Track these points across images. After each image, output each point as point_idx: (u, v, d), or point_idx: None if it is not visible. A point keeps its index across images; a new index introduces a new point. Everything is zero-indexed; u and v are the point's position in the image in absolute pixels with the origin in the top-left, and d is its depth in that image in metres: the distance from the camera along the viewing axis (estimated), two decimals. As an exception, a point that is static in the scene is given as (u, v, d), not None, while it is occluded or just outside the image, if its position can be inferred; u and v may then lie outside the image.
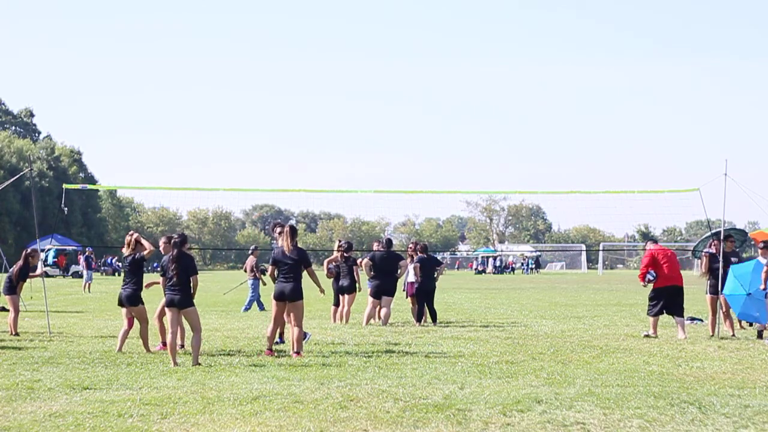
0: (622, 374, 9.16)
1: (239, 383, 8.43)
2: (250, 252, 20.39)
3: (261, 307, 19.46)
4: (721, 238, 13.81)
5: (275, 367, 9.62)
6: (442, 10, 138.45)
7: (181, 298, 10.02)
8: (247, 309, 19.49)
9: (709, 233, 15.81)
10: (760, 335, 12.95)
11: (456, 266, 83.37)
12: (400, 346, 11.73)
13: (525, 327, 14.97)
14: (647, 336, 13.07)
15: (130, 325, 11.13)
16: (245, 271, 20.29)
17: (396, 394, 7.84)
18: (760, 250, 13.20)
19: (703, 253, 14.17)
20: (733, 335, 13.43)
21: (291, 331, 10.84)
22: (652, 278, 13.43)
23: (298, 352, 10.56)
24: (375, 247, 15.83)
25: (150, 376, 8.93)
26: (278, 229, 11.16)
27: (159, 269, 10.44)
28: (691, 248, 16.04)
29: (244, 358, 10.35)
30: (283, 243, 10.83)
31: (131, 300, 10.88)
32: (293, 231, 10.95)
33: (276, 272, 10.78)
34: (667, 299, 13.30)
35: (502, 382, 8.63)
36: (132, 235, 11.23)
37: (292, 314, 10.68)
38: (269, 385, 8.28)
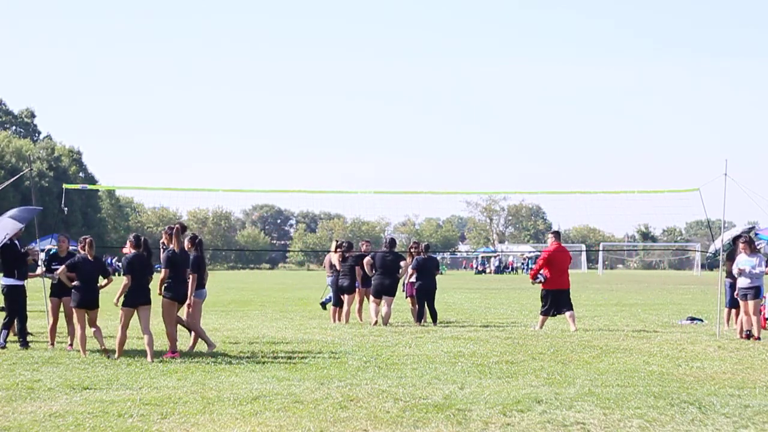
0: (622, 374, 9.16)
1: (239, 383, 8.44)
2: (333, 250, 20.76)
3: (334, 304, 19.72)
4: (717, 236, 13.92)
5: (275, 367, 9.62)
6: (442, 10, 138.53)
7: (148, 296, 10.50)
8: (325, 303, 19.63)
9: (734, 234, 15.75)
10: (748, 335, 12.93)
11: (463, 266, 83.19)
12: (400, 346, 11.74)
13: (525, 327, 14.97)
14: (539, 328, 14.32)
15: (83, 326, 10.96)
16: (324, 267, 20.59)
17: (396, 394, 7.85)
18: (742, 248, 13.11)
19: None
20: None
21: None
22: (542, 280, 14.59)
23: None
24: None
25: (150, 376, 8.93)
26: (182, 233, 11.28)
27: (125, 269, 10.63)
28: (691, 248, 16.03)
29: (244, 358, 10.35)
30: (176, 245, 10.99)
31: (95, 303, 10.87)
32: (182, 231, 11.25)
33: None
34: (556, 298, 14.49)
35: (502, 382, 8.63)
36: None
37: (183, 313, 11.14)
38: (269, 385, 8.28)
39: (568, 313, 14.39)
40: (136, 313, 10.46)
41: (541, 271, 14.57)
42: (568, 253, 15.11)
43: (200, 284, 11.33)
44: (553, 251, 14.64)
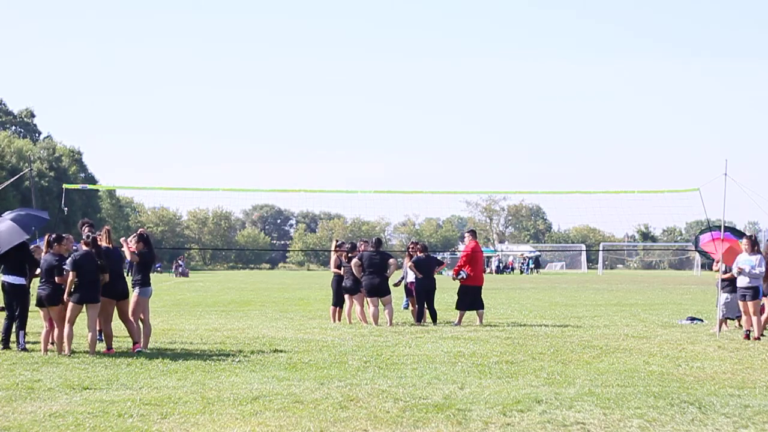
0: (622, 374, 9.17)
1: (239, 383, 8.44)
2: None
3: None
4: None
5: (275, 367, 9.62)
6: (442, 10, 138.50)
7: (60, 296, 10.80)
8: (407, 306, 19.88)
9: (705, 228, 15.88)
10: (747, 335, 12.94)
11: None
12: (400, 346, 11.74)
13: (525, 327, 14.97)
14: (457, 325, 15.01)
15: (52, 326, 10.98)
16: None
17: (396, 394, 7.85)
18: (744, 246, 13.10)
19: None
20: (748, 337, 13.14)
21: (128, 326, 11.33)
22: (464, 276, 15.22)
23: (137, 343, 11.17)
24: (361, 247, 15.83)
25: (150, 376, 8.93)
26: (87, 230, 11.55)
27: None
28: (691, 248, 16.12)
29: (244, 358, 10.35)
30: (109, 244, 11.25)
31: (51, 299, 10.84)
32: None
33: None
34: (474, 296, 15.31)
35: (502, 382, 8.64)
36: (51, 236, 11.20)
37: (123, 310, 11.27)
38: (269, 385, 8.29)
39: (480, 311, 15.34)
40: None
41: (463, 269, 15.25)
42: (482, 251, 16.08)
43: (146, 282, 11.42)
44: (473, 249, 15.37)
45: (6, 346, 11.11)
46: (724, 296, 13.80)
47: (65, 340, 10.57)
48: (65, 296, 10.67)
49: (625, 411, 7.14)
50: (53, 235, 11.10)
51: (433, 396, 7.76)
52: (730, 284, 13.64)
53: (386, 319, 14.99)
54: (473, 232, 16.04)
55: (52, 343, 11.14)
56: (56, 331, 10.82)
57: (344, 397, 7.64)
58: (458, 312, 15.39)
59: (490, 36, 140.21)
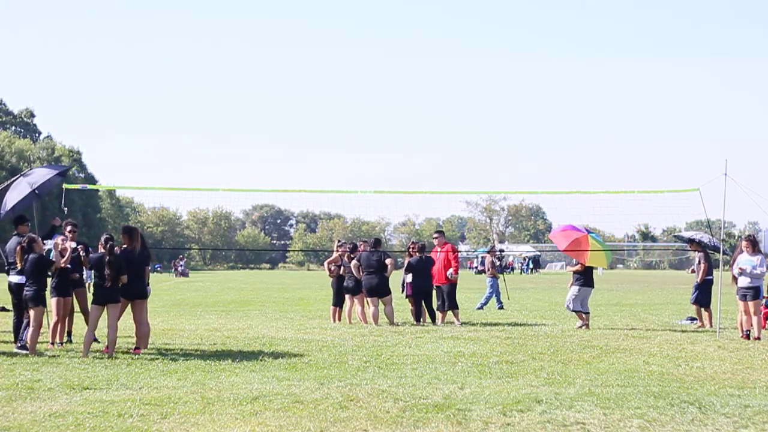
0: (622, 374, 9.17)
1: (239, 383, 8.44)
2: (488, 251, 22.24)
3: (500, 305, 20.47)
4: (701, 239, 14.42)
5: (275, 367, 9.62)
6: (442, 10, 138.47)
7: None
8: (481, 307, 20.30)
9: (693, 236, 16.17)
10: (747, 335, 12.95)
11: (468, 266, 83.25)
12: (400, 346, 11.73)
13: (525, 327, 14.97)
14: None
15: (41, 325, 10.97)
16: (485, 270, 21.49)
17: (396, 394, 7.85)
18: (744, 247, 13.09)
19: None
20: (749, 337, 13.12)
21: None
22: (456, 275, 15.67)
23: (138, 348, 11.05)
24: (361, 248, 15.82)
25: (150, 376, 8.93)
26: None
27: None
28: (691, 248, 16.19)
29: (244, 358, 10.35)
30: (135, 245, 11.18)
31: (35, 300, 10.83)
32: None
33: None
34: (450, 294, 15.61)
35: (502, 382, 8.64)
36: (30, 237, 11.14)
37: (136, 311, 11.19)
38: (269, 385, 8.28)
39: (456, 312, 15.59)
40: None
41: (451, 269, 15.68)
42: None
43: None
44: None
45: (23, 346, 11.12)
46: (573, 289, 14.78)
47: (86, 344, 10.63)
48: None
49: (625, 411, 7.14)
50: (26, 239, 11.02)
51: (433, 396, 7.76)
52: (581, 278, 14.80)
53: (386, 318, 14.99)
54: (443, 233, 16.50)
55: (58, 343, 11.12)
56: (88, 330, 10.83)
57: (344, 397, 7.64)
58: (453, 312, 15.56)
59: (490, 36, 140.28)
